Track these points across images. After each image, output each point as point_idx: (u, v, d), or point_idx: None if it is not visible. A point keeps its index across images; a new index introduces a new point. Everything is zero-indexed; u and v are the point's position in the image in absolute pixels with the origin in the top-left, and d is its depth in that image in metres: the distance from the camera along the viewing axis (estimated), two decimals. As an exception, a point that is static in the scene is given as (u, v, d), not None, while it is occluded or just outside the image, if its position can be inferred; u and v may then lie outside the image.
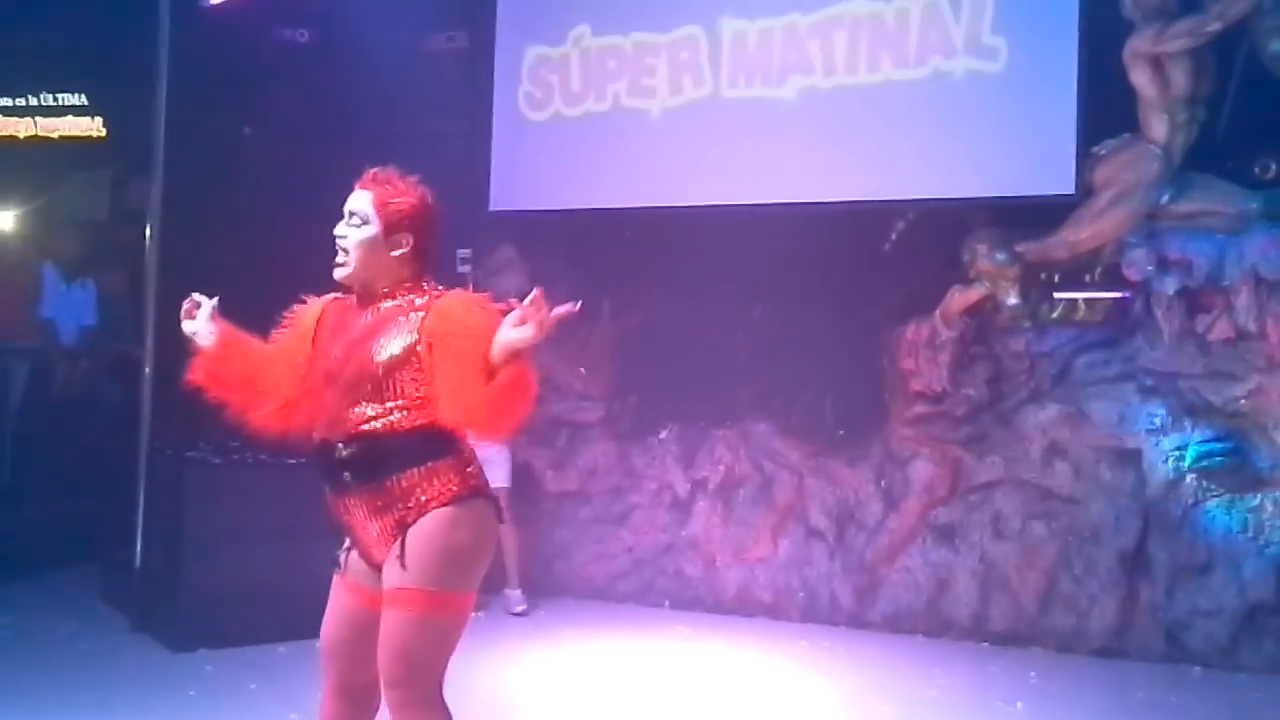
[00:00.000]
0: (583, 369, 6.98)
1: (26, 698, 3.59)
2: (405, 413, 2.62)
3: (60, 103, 8.40)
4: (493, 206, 7.24)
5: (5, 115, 8.48)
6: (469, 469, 2.66)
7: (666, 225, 6.71)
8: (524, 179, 7.20)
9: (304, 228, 7.08)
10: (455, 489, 2.61)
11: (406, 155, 7.19)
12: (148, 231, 6.05)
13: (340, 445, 2.64)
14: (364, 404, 2.63)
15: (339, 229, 2.71)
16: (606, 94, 6.96)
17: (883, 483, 6.04)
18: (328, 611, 2.78)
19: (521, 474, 6.86)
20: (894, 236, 6.41)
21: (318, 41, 7.58)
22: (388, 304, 2.70)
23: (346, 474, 2.64)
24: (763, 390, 6.55)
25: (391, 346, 2.64)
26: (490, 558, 2.70)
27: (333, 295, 2.85)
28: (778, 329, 6.50)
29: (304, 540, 5.37)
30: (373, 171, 2.76)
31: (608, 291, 7.01)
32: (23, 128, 8.44)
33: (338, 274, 2.73)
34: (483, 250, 7.28)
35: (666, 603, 6.37)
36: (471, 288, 7.16)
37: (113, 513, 5.82)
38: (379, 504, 2.63)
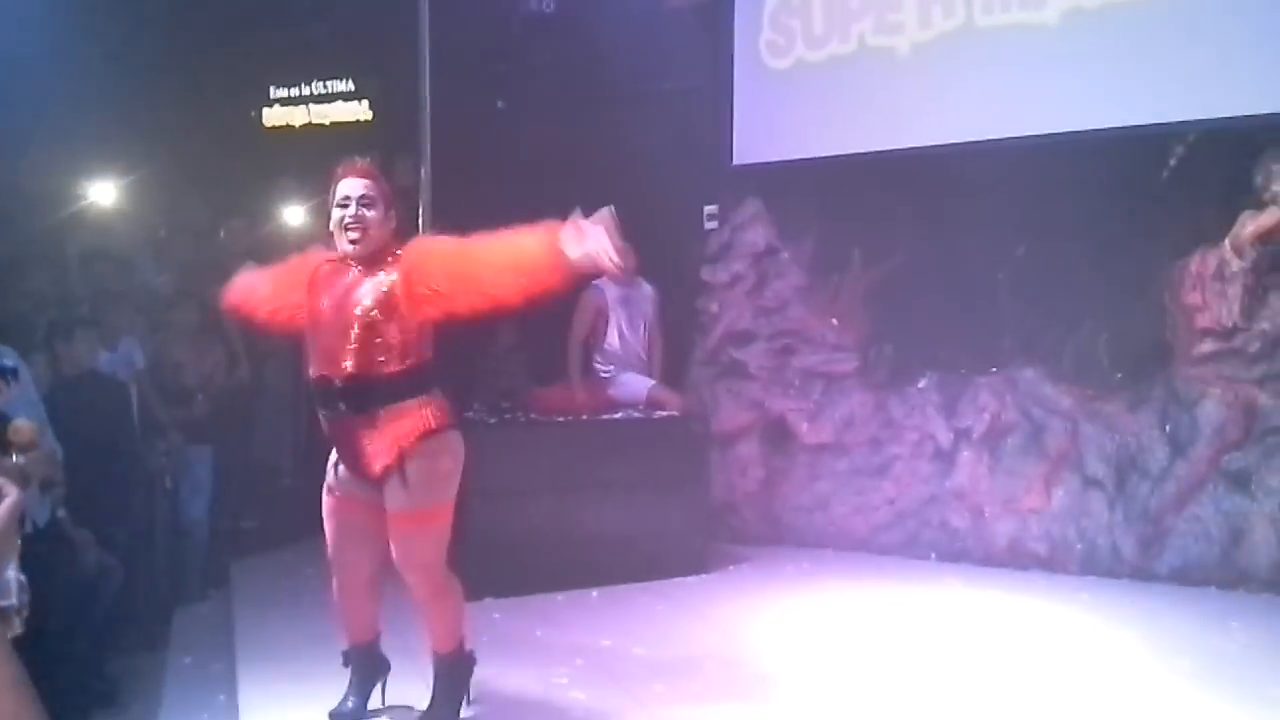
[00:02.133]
0: (834, 319, 6.88)
1: (327, 650, 3.91)
2: (386, 357, 3.25)
3: (330, 90, 8.97)
4: (736, 160, 7.22)
5: (283, 105, 9.14)
6: (442, 405, 3.37)
7: (919, 166, 6.48)
8: (768, 130, 7.13)
9: (561, 194, 7.35)
10: (434, 423, 3.31)
11: (651, 115, 7.35)
12: (419, 209, 6.37)
13: (335, 381, 3.28)
14: (351, 348, 3.25)
15: (351, 212, 3.29)
16: (851, 34, 6.78)
17: (1167, 427, 5.65)
18: (328, 528, 3.50)
19: (776, 426, 6.87)
20: (1173, 162, 5.93)
21: (562, 9, 7.75)
22: (368, 267, 3.32)
23: (341, 405, 3.30)
24: (1029, 334, 6.25)
25: (366, 300, 3.27)
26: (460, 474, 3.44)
27: (325, 257, 3.46)
28: (1045, 268, 6.16)
29: (576, 493, 5.63)
30: (357, 162, 3.38)
31: (858, 239, 6.86)
32: (298, 116, 9.07)
33: (355, 250, 3.31)
34: (729, 205, 7.28)
35: (933, 555, 6.22)
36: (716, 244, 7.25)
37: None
38: (370, 430, 3.29)
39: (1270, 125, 5.53)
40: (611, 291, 6.39)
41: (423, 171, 6.57)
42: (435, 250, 3.31)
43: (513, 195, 7.57)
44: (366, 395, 3.27)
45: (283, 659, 4.45)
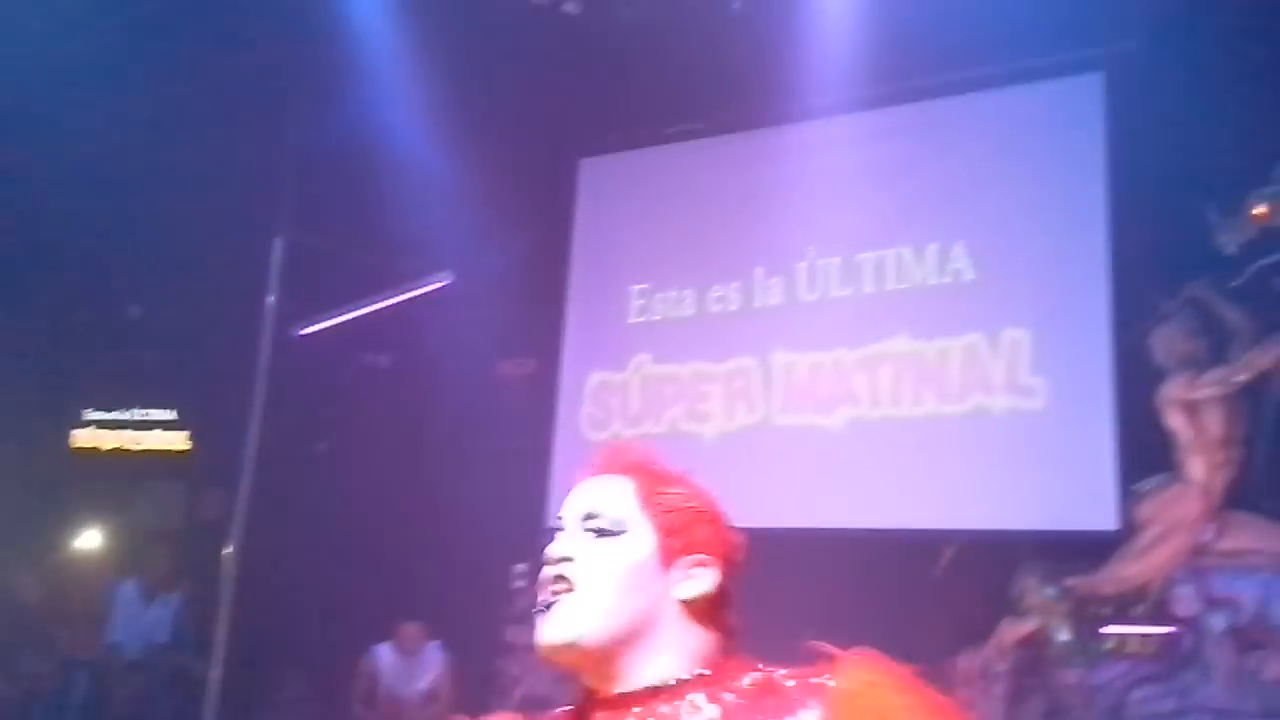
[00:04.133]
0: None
1: None
2: None
3: (150, 418, 8.96)
4: (551, 524, 7.49)
5: (97, 428, 9.03)
6: None
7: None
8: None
9: (372, 542, 7.46)
10: None
11: (473, 473, 7.62)
12: (229, 544, 6.35)
13: None
14: None
15: (553, 549, 1.41)
16: (664, 418, 7.37)
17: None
18: None
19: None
20: (944, 565, 6.53)
21: (397, 365, 8.18)
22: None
23: None
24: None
25: None
26: None
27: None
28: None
29: None
30: (623, 448, 1.49)
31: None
32: (108, 440, 8.96)
33: (545, 634, 1.37)
34: (541, 568, 7.48)
35: None
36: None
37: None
38: None
39: (1023, 541, 6.21)
40: (386, 659, 6.54)
41: (238, 507, 6.62)
42: None
43: (325, 538, 7.65)
44: None
45: None
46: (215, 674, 5.98)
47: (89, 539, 7.73)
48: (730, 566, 1.41)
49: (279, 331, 7.31)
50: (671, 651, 1.35)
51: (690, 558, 1.39)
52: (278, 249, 7.08)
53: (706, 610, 1.38)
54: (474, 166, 7.40)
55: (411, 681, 6.60)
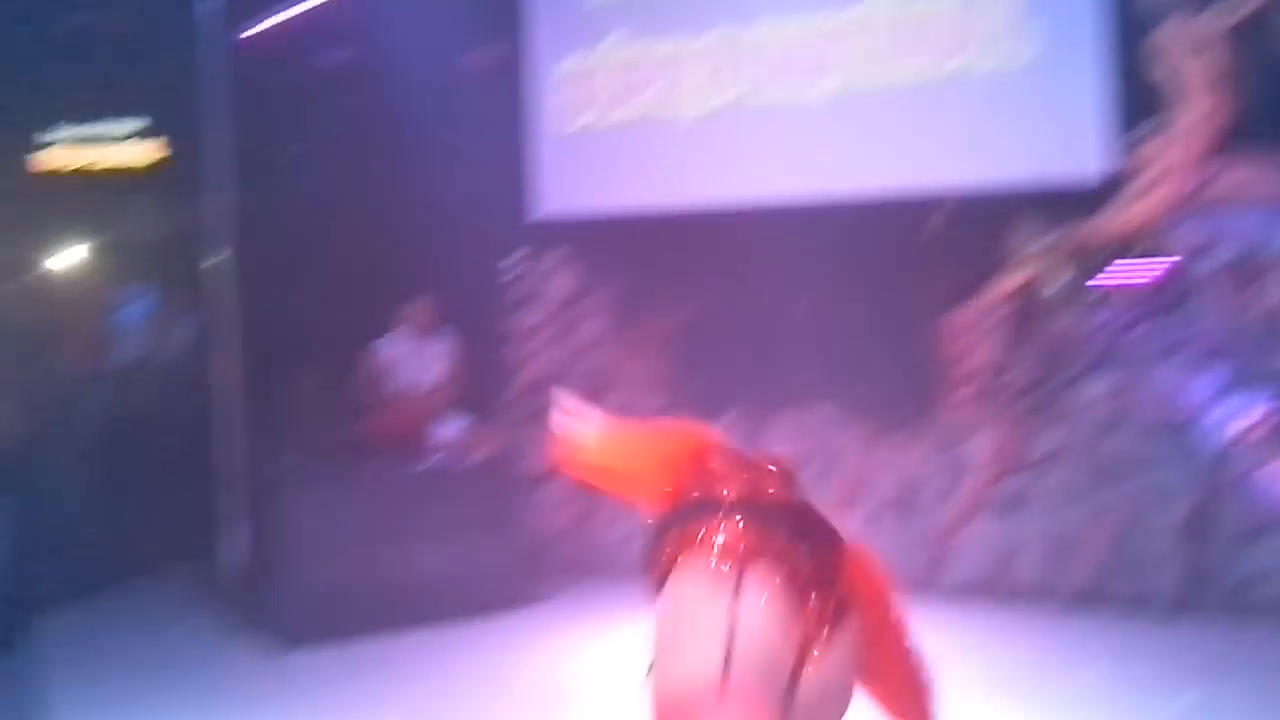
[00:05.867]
0: (643, 360, 7.21)
1: (139, 703, 3.76)
2: None
3: (118, 133, 8.54)
4: (534, 215, 7.46)
5: (66, 146, 8.57)
6: None
7: (709, 226, 6.88)
8: (565, 186, 7.40)
9: (367, 238, 7.35)
10: None
11: (449, 167, 7.43)
12: (223, 251, 6.25)
13: None
14: None
15: None
16: (637, 103, 7.16)
17: (944, 458, 6.26)
18: None
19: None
20: (938, 226, 6.58)
21: (357, 61, 7.77)
22: None
23: None
24: (819, 375, 6.72)
25: None
26: None
27: None
28: (828, 318, 6.66)
29: (390, 541, 5.66)
30: None
31: (661, 288, 7.22)
32: (82, 158, 8.54)
33: None
34: (540, 254, 7.51)
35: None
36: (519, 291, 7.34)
37: (207, 520, 6.00)
38: None
39: (1020, 195, 6.21)
40: (394, 349, 6.58)
41: (224, 215, 6.46)
42: None
43: (317, 237, 7.50)
44: None
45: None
46: (233, 378, 6.02)
47: (77, 256, 7.53)
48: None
49: (224, 35, 6.89)
50: None
51: None
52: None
53: None
54: None
55: (419, 371, 6.67)
